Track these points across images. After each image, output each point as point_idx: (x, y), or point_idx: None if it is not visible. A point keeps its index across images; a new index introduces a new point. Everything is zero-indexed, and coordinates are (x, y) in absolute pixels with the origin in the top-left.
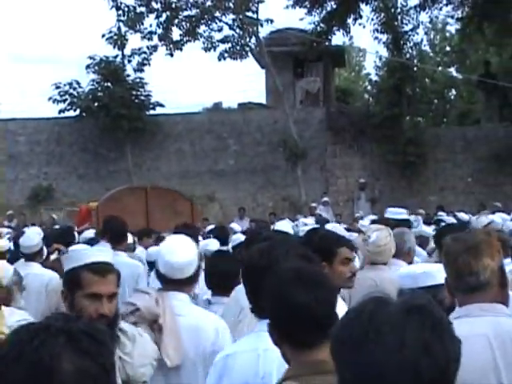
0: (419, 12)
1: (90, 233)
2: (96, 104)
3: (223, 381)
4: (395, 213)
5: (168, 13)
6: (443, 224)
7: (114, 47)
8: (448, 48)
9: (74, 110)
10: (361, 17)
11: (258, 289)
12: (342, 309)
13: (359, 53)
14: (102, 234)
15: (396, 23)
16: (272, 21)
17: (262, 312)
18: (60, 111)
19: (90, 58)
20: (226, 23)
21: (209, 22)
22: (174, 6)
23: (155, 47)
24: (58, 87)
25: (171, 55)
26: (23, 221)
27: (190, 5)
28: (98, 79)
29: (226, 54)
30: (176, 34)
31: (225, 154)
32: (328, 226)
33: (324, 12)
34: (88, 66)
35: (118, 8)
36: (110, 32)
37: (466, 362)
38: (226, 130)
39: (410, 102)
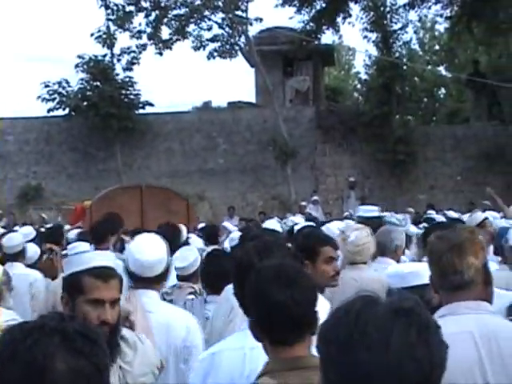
0: (408, 11)
1: (73, 233)
2: (85, 103)
3: (209, 378)
4: (366, 210)
5: (157, 12)
6: (434, 222)
7: (103, 46)
8: (437, 47)
9: (64, 109)
10: (350, 15)
11: (244, 287)
12: (324, 308)
13: (349, 51)
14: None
15: (385, 22)
16: (261, 19)
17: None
18: (49, 110)
19: (79, 56)
20: (216, 22)
21: (198, 21)
22: (163, 4)
23: (144, 46)
24: (47, 86)
25: (160, 54)
26: (13, 220)
27: (179, 4)
28: (87, 78)
29: (215, 53)
30: (165, 32)
31: (214, 153)
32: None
33: (313, 11)
34: (77, 65)
35: (107, 7)
36: (99, 31)
37: (452, 360)
38: (215, 129)
39: (399, 101)
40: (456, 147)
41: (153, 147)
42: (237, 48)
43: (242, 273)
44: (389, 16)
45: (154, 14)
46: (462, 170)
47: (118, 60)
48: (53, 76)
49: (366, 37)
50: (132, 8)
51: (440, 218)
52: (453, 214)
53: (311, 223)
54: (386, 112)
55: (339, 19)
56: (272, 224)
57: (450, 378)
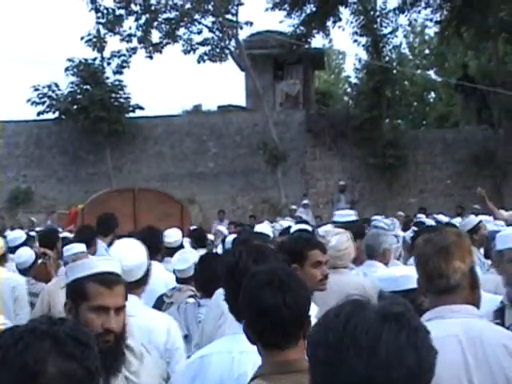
0: (398, 15)
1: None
2: (75, 106)
3: (197, 381)
4: (342, 215)
5: (147, 15)
6: (423, 226)
7: (94, 50)
8: (427, 51)
9: (53, 113)
10: (340, 19)
11: (235, 292)
12: (312, 312)
13: (339, 55)
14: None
15: (375, 26)
16: (252, 23)
17: (240, 315)
18: (39, 113)
19: (69, 60)
20: (206, 26)
21: (188, 25)
22: (153, 8)
23: (135, 50)
24: (36, 89)
25: (151, 58)
26: (2, 224)
27: (169, 7)
28: (77, 82)
29: (205, 57)
30: (155, 36)
31: (205, 157)
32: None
33: (303, 15)
34: (67, 69)
35: (97, 10)
36: (89, 34)
37: (438, 364)
38: (205, 133)
39: (389, 105)
40: (446, 151)
41: (143, 151)
42: (227, 52)
43: (232, 277)
44: (379, 20)
45: (144, 18)
46: (451, 174)
47: (108, 63)
48: (43, 79)
49: (356, 41)
50: (122, 11)
51: (430, 222)
52: (443, 218)
53: (306, 227)
54: (376, 116)
55: (329, 23)
56: (263, 228)
57: (435, 380)
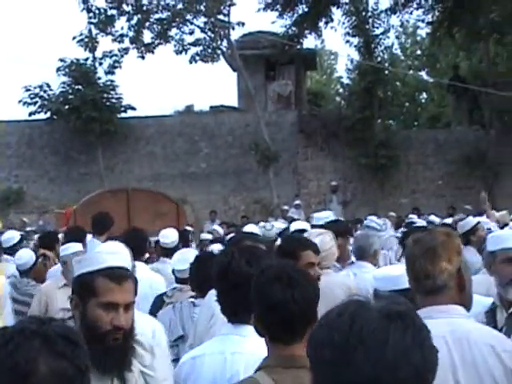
0: (390, 16)
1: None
2: (67, 107)
3: (189, 382)
4: (320, 218)
5: (139, 15)
6: (412, 226)
7: (85, 50)
8: (419, 52)
9: (45, 113)
10: (332, 20)
11: (227, 292)
12: None
13: (331, 56)
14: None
15: (367, 27)
16: (243, 24)
17: (232, 315)
18: (30, 114)
19: (61, 60)
20: (198, 26)
21: (180, 25)
22: (145, 8)
23: (126, 50)
24: (28, 90)
25: (142, 58)
26: None
27: (161, 8)
28: (68, 82)
29: (197, 57)
30: (147, 36)
31: (196, 157)
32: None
33: (295, 15)
34: (59, 69)
35: (88, 10)
36: (81, 34)
37: None
38: (197, 133)
39: (381, 105)
40: (437, 151)
41: (135, 151)
42: (219, 52)
43: (224, 278)
44: (371, 21)
45: (136, 18)
46: (443, 174)
47: (100, 64)
48: (34, 79)
49: (348, 41)
50: (114, 12)
51: (422, 223)
52: (435, 219)
53: (305, 226)
54: (368, 116)
55: (321, 24)
56: (251, 228)
57: None
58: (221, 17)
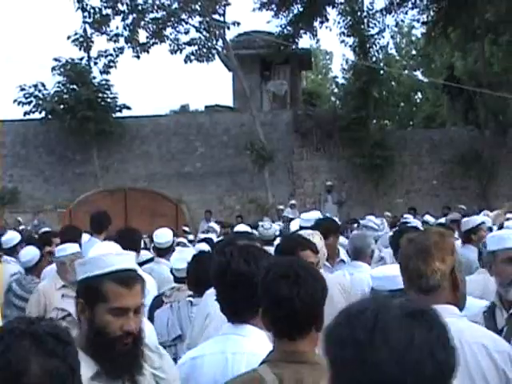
0: (385, 15)
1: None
2: (62, 106)
3: (190, 381)
4: (308, 220)
5: (134, 15)
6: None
7: (80, 49)
8: (414, 52)
9: (40, 113)
10: (327, 20)
11: (227, 292)
12: None
13: (326, 56)
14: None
15: (362, 27)
16: (239, 23)
17: (232, 315)
18: (25, 113)
19: (56, 59)
20: (193, 26)
21: (175, 25)
22: (140, 8)
23: (121, 49)
24: (23, 89)
25: (138, 57)
26: None
27: (156, 7)
28: (63, 81)
29: (192, 57)
30: (142, 36)
31: (192, 157)
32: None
33: (291, 15)
34: (53, 68)
35: (83, 10)
36: (76, 34)
37: None
38: (192, 133)
39: (376, 105)
40: (432, 151)
41: (130, 150)
42: (214, 52)
43: (223, 278)
44: (366, 21)
45: (131, 18)
46: (438, 174)
47: (95, 63)
48: (29, 79)
49: (343, 41)
50: (109, 11)
51: (416, 223)
52: (429, 218)
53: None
54: (363, 116)
55: (316, 23)
56: (242, 228)
57: None
58: (216, 16)
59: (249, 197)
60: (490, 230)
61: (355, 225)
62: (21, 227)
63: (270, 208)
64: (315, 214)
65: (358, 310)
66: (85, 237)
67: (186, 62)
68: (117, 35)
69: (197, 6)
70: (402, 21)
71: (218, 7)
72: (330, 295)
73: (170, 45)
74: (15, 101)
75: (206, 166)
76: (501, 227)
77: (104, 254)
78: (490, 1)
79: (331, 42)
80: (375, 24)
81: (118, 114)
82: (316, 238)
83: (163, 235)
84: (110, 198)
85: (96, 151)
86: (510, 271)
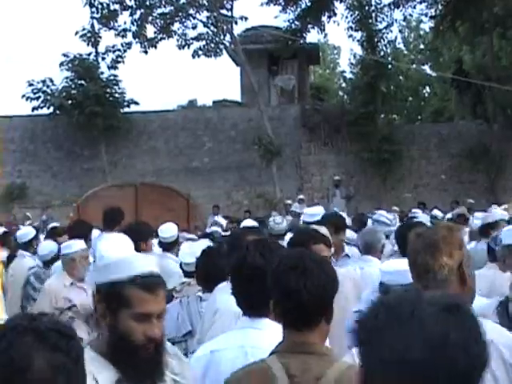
0: (393, 10)
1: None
2: (70, 102)
3: (207, 376)
4: (312, 215)
5: (142, 10)
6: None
7: (88, 44)
8: (422, 46)
9: (48, 108)
10: (335, 14)
11: (243, 286)
12: None
13: (334, 50)
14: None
15: (370, 21)
16: (246, 18)
17: (248, 308)
18: (34, 109)
19: (64, 55)
20: (201, 21)
21: (183, 20)
22: (148, 3)
23: (129, 44)
24: (31, 85)
25: (145, 52)
26: None
27: (164, 2)
28: (71, 77)
29: (200, 52)
30: (150, 31)
31: (199, 152)
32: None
33: (298, 9)
34: (61, 64)
35: (91, 5)
36: (84, 29)
37: None
38: (200, 128)
39: (384, 100)
40: (440, 146)
41: (138, 146)
42: (222, 47)
43: (239, 272)
44: (374, 15)
45: (138, 13)
46: (446, 169)
47: (103, 58)
48: (37, 74)
49: (350, 36)
50: (117, 6)
51: (424, 217)
52: (438, 213)
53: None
54: (371, 111)
55: (324, 18)
56: (249, 223)
57: None
58: (224, 11)
59: (257, 192)
60: (508, 223)
61: (364, 220)
62: (27, 222)
63: (278, 203)
64: (318, 210)
65: (394, 300)
66: (95, 232)
67: (193, 57)
68: (124, 30)
69: (204, 1)
70: (410, 15)
71: (225, 2)
72: (342, 289)
73: (178, 40)
74: (23, 96)
75: (213, 161)
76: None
77: (126, 257)
78: None
79: (339, 36)
80: (383, 18)
81: (126, 110)
82: (323, 231)
83: (168, 230)
84: (119, 193)
85: (104, 146)
86: None
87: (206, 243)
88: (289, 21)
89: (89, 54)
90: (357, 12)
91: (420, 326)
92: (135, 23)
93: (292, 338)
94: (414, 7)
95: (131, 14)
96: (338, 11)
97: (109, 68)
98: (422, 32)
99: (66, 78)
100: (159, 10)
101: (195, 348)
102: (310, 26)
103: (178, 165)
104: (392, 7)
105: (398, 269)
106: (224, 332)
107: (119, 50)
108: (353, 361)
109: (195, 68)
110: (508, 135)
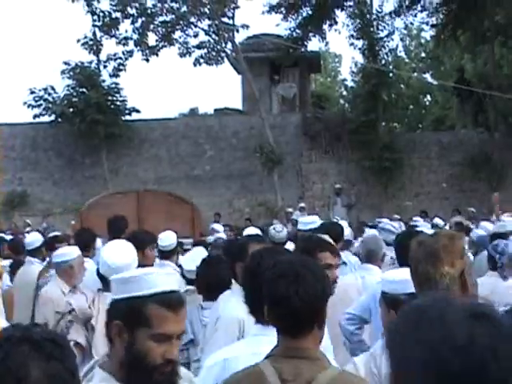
0: (394, 18)
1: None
2: (71, 109)
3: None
4: (306, 223)
5: (143, 18)
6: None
7: (90, 52)
8: (423, 54)
9: (49, 116)
10: (336, 23)
11: (256, 293)
12: None
13: (335, 58)
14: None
15: (371, 29)
16: (248, 26)
17: (261, 316)
18: (35, 116)
19: (65, 63)
20: (202, 29)
21: (184, 28)
22: (149, 11)
23: (131, 52)
24: (32, 92)
25: (147, 60)
26: None
27: (165, 10)
28: (73, 84)
29: (201, 60)
30: (152, 39)
31: (201, 160)
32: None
33: (300, 18)
34: (63, 72)
35: (93, 13)
36: (86, 37)
37: None
38: (202, 136)
39: (385, 108)
40: (442, 154)
41: (139, 154)
42: (223, 55)
43: (253, 279)
44: (375, 23)
45: (140, 21)
46: (447, 177)
47: (105, 66)
48: (39, 82)
49: (352, 44)
50: (118, 14)
51: (426, 225)
52: (439, 221)
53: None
54: (372, 119)
55: (325, 26)
56: (252, 231)
57: None
58: (225, 19)
59: (258, 200)
60: None
61: (365, 228)
62: (27, 229)
63: (279, 211)
64: (313, 218)
65: (423, 304)
66: (99, 242)
67: (195, 65)
68: (126, 38)
69: (206, 9)
70: (412, 23)
71: (227, 10)
72: (347, 297)
73: (179, 48)
74: (25, 104)
75: (215, 169)
76: None
77: (147, 273)
78: (499, 3)
79: (340, 44)
80: (384, 27)
81: (128, 118)
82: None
83: (167, 238)
84: (121, 200)
85: (105, 154)
86: None
87: (201, 251)
88: (290, 29)
89: (90, 62)
90: (358, 20)
91: (450, 333)
92: (137, 31)
93: (286, 344)
94: (415, 16)
95: (133, 22)
96: (339, 19)
97: (110, 76)
98: (423, 40)
99: (68, 85)
100: (161, 18)
101: (198, 357)
102: (311, 34)
103: (179, 173)
104: (393, 16)
105: (401, 278)
106: (226, 339)
107: (121, 58)
108: (354, 370)
109: (197, 76)
110: (509, 144)
